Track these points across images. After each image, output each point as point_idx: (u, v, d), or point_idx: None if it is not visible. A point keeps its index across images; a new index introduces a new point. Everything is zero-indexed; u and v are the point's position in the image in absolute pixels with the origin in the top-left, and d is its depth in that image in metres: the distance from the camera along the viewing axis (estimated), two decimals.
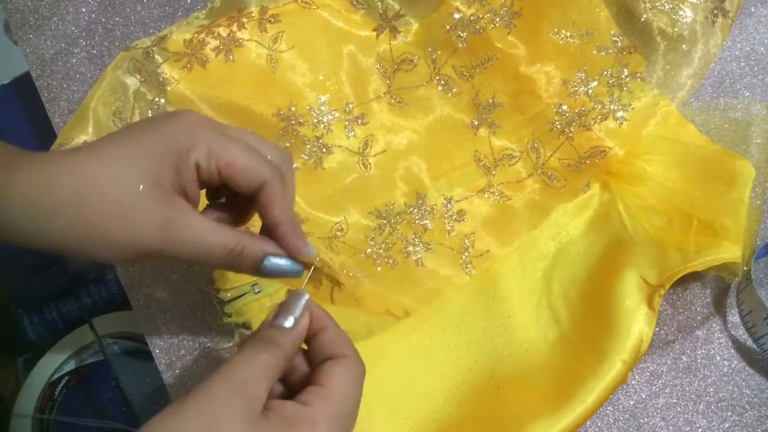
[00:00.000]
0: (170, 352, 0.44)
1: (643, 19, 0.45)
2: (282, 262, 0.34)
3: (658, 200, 0.46)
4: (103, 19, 0.51)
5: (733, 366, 0.45)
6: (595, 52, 0.46)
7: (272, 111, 0.47)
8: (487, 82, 0.48)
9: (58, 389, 0.59)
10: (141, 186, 0.31)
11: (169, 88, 0.45)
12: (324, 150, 0.47)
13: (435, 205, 0.47)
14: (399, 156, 0.48)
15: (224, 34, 0.46)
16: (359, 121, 0.48)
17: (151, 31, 0.51)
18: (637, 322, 0.42)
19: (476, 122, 0.48)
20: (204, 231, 0.32)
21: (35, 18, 0.51)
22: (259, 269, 0.33)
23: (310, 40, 0.48)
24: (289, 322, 0.31)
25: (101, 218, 0.31)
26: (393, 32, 0.49)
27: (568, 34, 0.47)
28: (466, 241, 0.46)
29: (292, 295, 0.33)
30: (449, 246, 0.46)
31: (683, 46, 0.46)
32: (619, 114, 0.46)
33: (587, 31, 0.46)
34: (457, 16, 0.47)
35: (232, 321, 0.44)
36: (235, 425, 0.27)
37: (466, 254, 0.46)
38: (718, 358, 0.45)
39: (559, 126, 0.46)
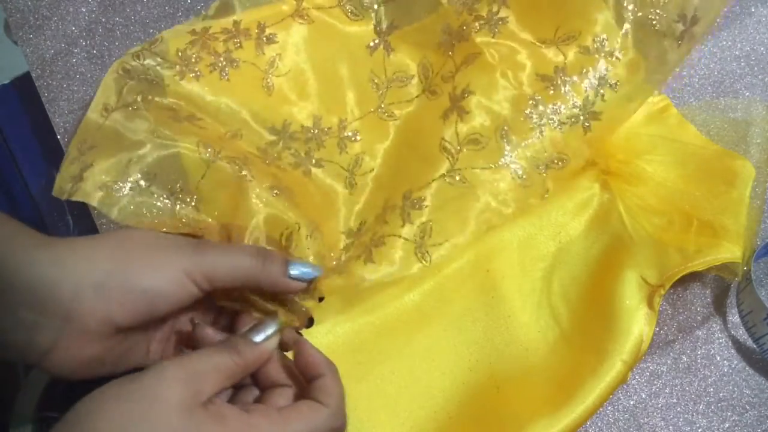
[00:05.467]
0: None
1: (626, 26, 0.45)
2: (304, 262, 0.38)
3: (658, 200, 0.46)
4: (103, 19, 0.51)
5: (733, 366, 0.45)
6: (576, 52, 0.45)
7: (266, 126, 0.47)
8: (465, 77, 0.47)
9: (58, 389, 0.59)
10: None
11: (153, 99, 0.44)
12: (314, 163, 0.47)
13: (396, 205, 0.45)
14: (383, 173, 0.47)
15: (220, 52, 0.46)
16: (353, 137, 0.48)
17: (151, 31, 0.51)
18: (637, 322, 0.42)
19: (447, 111, 0.47)
20: (229, 246, 0.37)
21: (35, 18, 0.51)
22: (287, 272, 0.36)
23: (306, 61, 0.48)
24: (258, 338, 0.34)
25: (139, 244, 0.34)
26: (387, 48, 0.48)
27: (551, 39, 0.46)
28: (423, 229, 0.44)
29: (269, 319, 0.35)
30: (404, 237, 0.44)
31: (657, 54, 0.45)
32: (588, 121, 0.45)
33: (570, 34, 0.46)
34: (447, 30, 0.47)
35: None
36: (174, 405, 0.28)
37: (422, 243, 0.44)
38: (718, 358, 0.45)
39: (532, 117, 0.45)
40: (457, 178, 0.45)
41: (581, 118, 0.45)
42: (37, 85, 0.49)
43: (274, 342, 0.34)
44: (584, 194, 0.47)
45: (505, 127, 0.45)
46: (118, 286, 0.32)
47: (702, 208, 0.44)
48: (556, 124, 0.45)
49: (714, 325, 0.46)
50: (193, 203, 0.41)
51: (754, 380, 0.45)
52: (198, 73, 0.46)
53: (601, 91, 0.45)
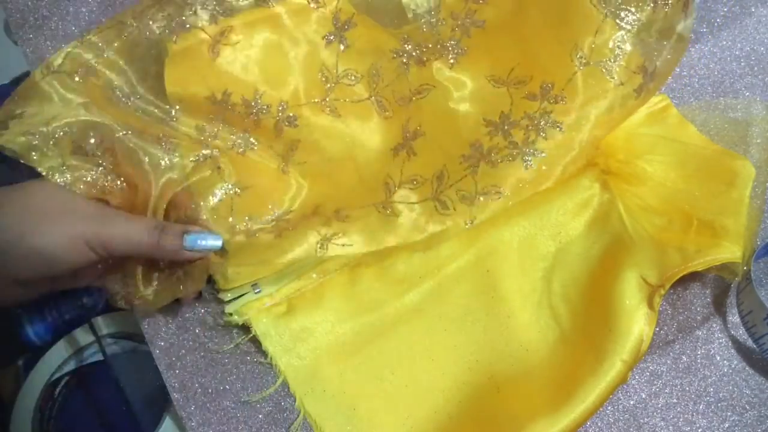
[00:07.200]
0: (170, 352, 0.44)
1: (578, 72, 0.44)
2: (203, 233, 0.40)
3: (658, 200, 0.46)
4: (103, 19, 0.51)
5: (733, 366, 0.45)
6: (522, 97, 0.45)
7: (205, 94, 0.45)
8: (419, 111, 0.47)
9: (58, 389, 0.59)
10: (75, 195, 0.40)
11: (91, 78, 0.44)
12: (250, 144, 0.46)
13: (326, 215, 0.45)
14: (316, 170, 0.47)
15: (174, 15, 0.45)
16: (288, 122, 0.47)
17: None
18: (637, 322, 0.42)
19: (398, 147, 0.47)
20: (130, 219, 0.40)
21: (35, 18, 0.51)
22: (183, 244, 0.39)
23: (259, 37, 0.46)
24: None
25: (44, 207, 0.38)
26: (342, 43, 0.47)
27: (503, 79, 0.46)
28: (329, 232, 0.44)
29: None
30: (319, 233, 0.43)
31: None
32: (528, 158, 0.44)
33: (521, 79, 0.45)
34: (407, 46, 0.47)
35: (232, 321, 0.44)
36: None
37: (324, 236, 0.43)
38: (718, 358, 0.45)
39: (469, 160, 0.45)
40: (389, 211, 0.45)
41: (520, 156, 0.44)
42: None
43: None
44: (584, 194, 0.47)
45: (443, 170, 0.45)
46: (20, 248, 0.36)
47: (702, 208, 0.44)
48: (490, 163, 0.45)
49: (714, 325, 0.46)
50: (104, 167, 0.42)
51: (754, 380, 0.45)
52: (147, 35, 0.45)
53: (542, 133, 0.44)
